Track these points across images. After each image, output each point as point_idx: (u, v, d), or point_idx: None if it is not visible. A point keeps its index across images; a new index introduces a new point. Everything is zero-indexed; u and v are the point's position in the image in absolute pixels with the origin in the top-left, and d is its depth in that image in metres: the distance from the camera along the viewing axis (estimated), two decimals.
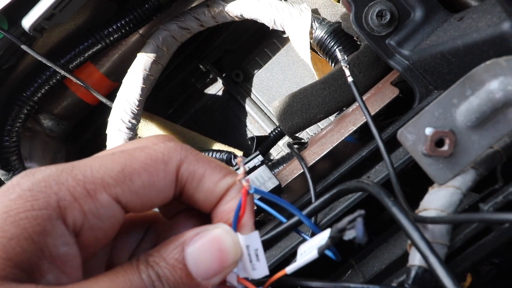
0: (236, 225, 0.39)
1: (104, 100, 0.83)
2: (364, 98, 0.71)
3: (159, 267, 0.34)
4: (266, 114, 1.03)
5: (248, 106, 1.04)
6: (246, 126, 1.05)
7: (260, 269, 0.40)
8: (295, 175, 0.67)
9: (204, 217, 0.40)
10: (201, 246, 0.35)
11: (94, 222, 0.34)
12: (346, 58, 0.63)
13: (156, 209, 0.44)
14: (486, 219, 0.39)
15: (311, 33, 0.87)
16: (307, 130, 0.95)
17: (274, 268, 0.62)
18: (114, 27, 0.86)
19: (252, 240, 0.39)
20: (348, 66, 0.62)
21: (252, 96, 1.04)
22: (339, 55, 0.63)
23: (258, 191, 0.38)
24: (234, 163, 0.80)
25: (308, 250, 0.41)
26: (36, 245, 0.30)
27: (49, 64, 0.78)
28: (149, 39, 0.87)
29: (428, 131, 0.46)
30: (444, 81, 0.61)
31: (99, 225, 0.34)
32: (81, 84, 0.80)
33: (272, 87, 1.03)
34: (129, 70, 0.85)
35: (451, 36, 0.55)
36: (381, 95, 0.67)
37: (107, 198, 0.34)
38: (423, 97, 0.66)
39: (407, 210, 0.45)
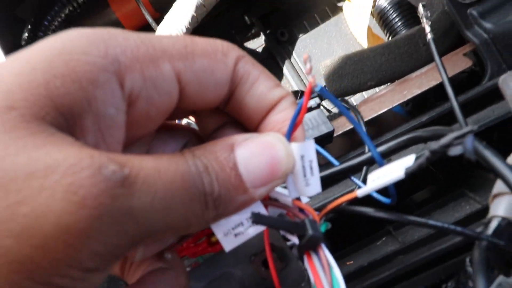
0: (290, 134, 0.35)
1: (150, 20, 0.79)
2: (430, 67, 0.69)
3: (208, 160, 0.29)
4: (302, 80, 1.00)
5: (286, 69, 1.00)
6: None
7: (314, 185, 0.36)
8: (347, 128, 0.63)
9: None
10: (253, 149, 0.31)
11: (151, 94, 0.30)
12: (429, 15, 0.60)
13: (194, 124, 0.40)
14: None
15: (374, 0, 0.85)
16: (353, 98, 0.92)
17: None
18: None
19: (307, 149, 0.35)
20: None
21: (292, 59, 1.01)
22: (421, 9, 0.59)
23: (325, 91, 0.33)
24: None
25: (387, 174, 0.37)
26: (83, 92, 0.26)
27: None
28: None
29: None
30: None
31: (155, 98, 0.30)
32: None
33: (315, 54, 1.00)
34: None
35: None
36: (452, 64, 0.64)
37: (169, 69, 0.30)
38: (494, 76, 0.63)
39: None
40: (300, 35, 1.01)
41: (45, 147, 0.23)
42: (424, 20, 0.59)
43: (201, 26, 0.84)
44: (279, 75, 1.01)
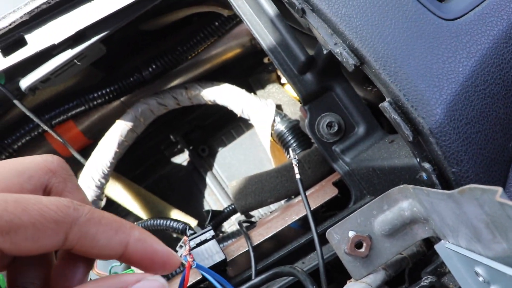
0: None
1: (78, 157, 0.91)
2: (308, 192, 0.83)
3: None
4: (224, 189, 1.13)
5: (209, 180, 1.13)
6: (204, 197, 1.14)
7: None
8: (241, 252, 0.76)
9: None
10: None
11: None
12: (296, 158, 0.74)
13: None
14: None
15: (273, 125, 1.00)
16: (259, 209, 1.05)
17: None
18: (99, 93, 0.96)
19: None
20: (298, 165, 0.73)
21: (213, 171, 1.15)
22: (291, 154, 0.74)
23: (200, 266, 0.46)
24: (187, 234, 0.88)
25: None
26: None
27: (35, 119, 0.86)
28: (129, 109, 0.97)
29: (351, 234, 0.56)
30: (375, 189, 0.73)
31: None
32: (60, 140, 0.88)
33: (233, 165, 1.14)
34: (106, 134, 0.93)
35: (381, 156, 0.67)
36: (323, 193, 0.78)
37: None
38: (358, 200, 0.77)
39: None
40: (220, 148, 1.16)
41: None
42: (294, 162, 0.74)
43: (133, 144, 0.98)
44: (202, 185, 1.14)
